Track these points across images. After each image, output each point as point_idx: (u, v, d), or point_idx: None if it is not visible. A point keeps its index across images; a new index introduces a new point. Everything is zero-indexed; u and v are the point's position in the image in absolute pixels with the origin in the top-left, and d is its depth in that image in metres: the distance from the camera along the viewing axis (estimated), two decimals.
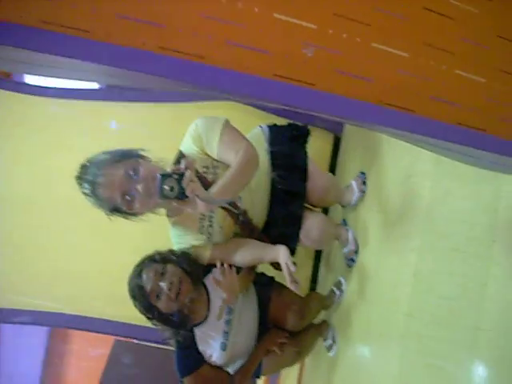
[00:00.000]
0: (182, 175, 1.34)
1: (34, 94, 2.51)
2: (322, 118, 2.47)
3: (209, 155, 1.67)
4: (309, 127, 2.05)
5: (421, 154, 1.63)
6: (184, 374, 1.79)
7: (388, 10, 0.88)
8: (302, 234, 1.93)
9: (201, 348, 1.82)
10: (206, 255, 1.78)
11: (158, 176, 1.35)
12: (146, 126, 2.56)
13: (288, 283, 1.72)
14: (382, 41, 0.88)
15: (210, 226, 1.76)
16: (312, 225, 1.93)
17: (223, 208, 1.74)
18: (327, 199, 2.08)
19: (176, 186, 1.34)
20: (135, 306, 1.68)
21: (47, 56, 0.73)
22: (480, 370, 1.35)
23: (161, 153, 1.61)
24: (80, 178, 1.52)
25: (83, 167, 1.53)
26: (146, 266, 1.68)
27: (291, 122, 2.12)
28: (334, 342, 2.09)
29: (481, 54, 0.93)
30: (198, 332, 1.81)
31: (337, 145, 2.64)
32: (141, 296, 1.65)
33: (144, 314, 1.69)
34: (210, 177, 1.67)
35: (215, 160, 1.68)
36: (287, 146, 1.93)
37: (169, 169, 1.49)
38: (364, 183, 2.11)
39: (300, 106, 0.85)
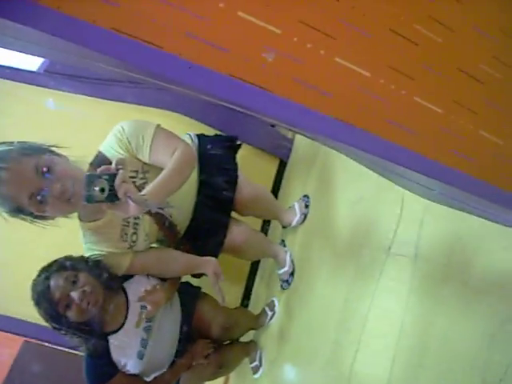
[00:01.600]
0: (112, 176, 1.22)
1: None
2: (270, 142, 2.48)
3: (138, 159, 1.58)
4: (239, 141, 2.05)
5: (367, 181, 1.63)
6: None
7: (356, 27, 0.86)
8: (227, 243, 1.90)
9: (115, 357, 1.68)
10: (125, 264, 1.66)
11: (85, 176, 1.21)
12: (75, 119, 2.37)
13: (216, 294, 1.70)
14: (346, 56, 0.86)
15: (135, 233, 1.65)
16: (236, 234, 1.91)
17: (149, 214, 1.64)
18: (257, 209, 2.06)
19: (106, 188, 1.20)
20: (39, 313, 1.52)
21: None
22: None
23: (82, 150, 1.47)
24: None
25: None
26: (54, 272, 1.53)
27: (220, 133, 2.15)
28: (260, 364, 2.04)
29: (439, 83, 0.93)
30: (113, 340, 1.67)
31: (281, 170, 2.62)
32: (47, 304, 1.49)
33: (48, 322, 1.54)
34: (138, 182, 1.58)
35: (146, 164, 1.59)
36: (217, 153, 1.91)
37: (86, 169, 1.37)
38: (307, 206, 2.10)
39: (252, 107, 0.81)
